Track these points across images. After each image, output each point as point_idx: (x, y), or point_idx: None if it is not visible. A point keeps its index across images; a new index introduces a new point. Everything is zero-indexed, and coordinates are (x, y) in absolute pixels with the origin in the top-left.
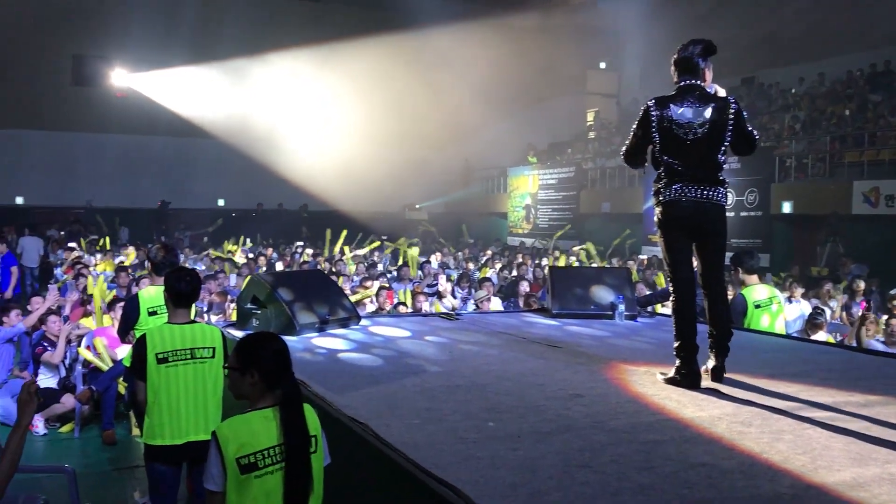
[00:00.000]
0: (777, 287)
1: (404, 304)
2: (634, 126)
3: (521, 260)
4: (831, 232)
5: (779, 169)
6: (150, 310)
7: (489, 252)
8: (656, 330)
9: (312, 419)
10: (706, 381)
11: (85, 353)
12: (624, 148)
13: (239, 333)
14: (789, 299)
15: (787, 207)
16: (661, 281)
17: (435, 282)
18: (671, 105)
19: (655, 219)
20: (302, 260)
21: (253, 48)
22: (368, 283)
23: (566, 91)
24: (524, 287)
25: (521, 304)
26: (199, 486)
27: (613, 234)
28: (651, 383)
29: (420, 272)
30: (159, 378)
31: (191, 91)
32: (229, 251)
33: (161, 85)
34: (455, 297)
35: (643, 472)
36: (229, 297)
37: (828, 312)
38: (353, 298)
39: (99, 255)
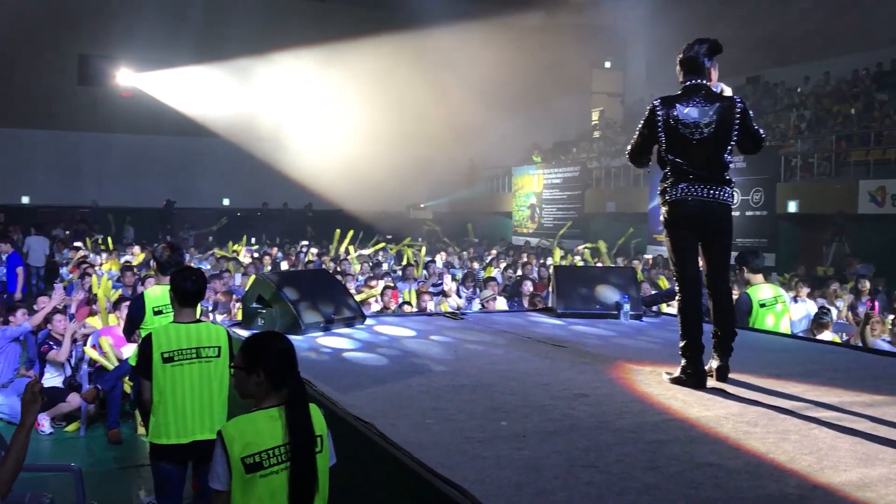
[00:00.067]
0: (783, 287)
1: (409, 303)
2: (640, 125)
3: (525, 259)
4: (837, 231)
5: (784, 168)
6: (156, 309)
7: (494, 251)
8: (661, 329)
9: (318, 419)
10: (711, 381)
11: (91, 353)
12: (629, 147)
13: (244, 333)
14: (795, 299)
15: (792, 207)
16: (664, 283)
17: (440, 281)
18: (677, 105)
19: (661, 218)
20: (307, 259)
21: (258, 48)
22: (373, 283)
23: (571, 90)
24: (527, 287)
25: (525, 303)
26: (205, 485)
27: (618, 233)
28: (656, 383)
29: (425, 271)
30: (165, 377)
31: (196, 91)
32: (234, 251)
33: (166, 85)
34: (460, 297)
35: (648, 471)
36: (234, 296)
37: (834, 312)
38: (357, 298)
39: (104, 255)
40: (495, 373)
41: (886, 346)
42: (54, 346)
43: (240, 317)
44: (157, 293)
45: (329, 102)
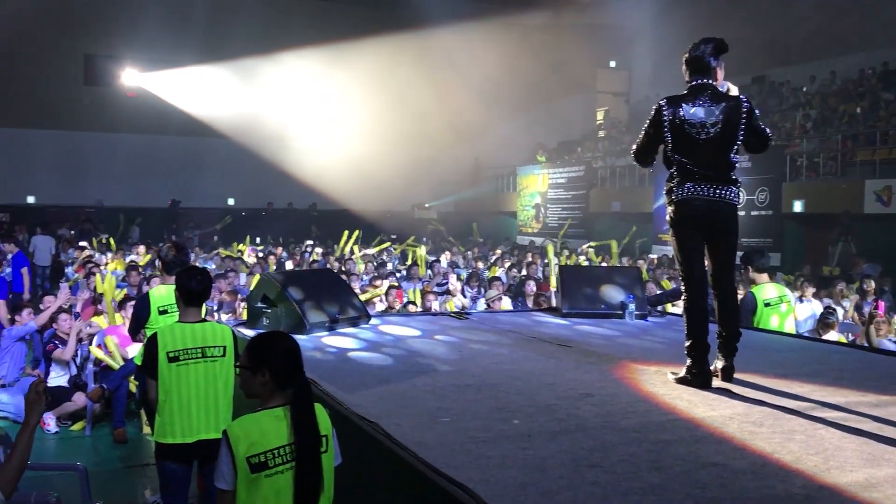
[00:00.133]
0: (788, 286)
1: (414, 303)
2: (646, 125)
3: (530, 259)
4: (843, 231)
5: (790, 168)
6: (161, 308)
7: (498, 251)
8: (667, 329)
9: (324, 419)
10: (717, 381)
11: (96, 352)
12: (634, 146)
13: (249, 332)
14: (800, 298)
15: (798, 206)
16: (667, 284)
17: (444, 281)
18: (683, 104)
19: (668, 218)
20: (312, 259)
21: (263, 47)
22: (378, 283)
23: (576, 90)
24: (531, 287)
25: (528, 303)
26: (210, 484)
27: (623, 233)
28: (662, 383)
29: (429, 271)
30: (170, 376)
31: (201, 91)
32: (238, 250)
33: (172, 84)
34: (464, 297)
35: (654, 471)
36: (239, 295)
37: (840, 312)
38: (362, 297)
39: (110, 254)
40: (500, 372)
41: (892, 346)
42: (60, 346)
43: (245, 316)
44: (162, 293)
45: (333, 102)
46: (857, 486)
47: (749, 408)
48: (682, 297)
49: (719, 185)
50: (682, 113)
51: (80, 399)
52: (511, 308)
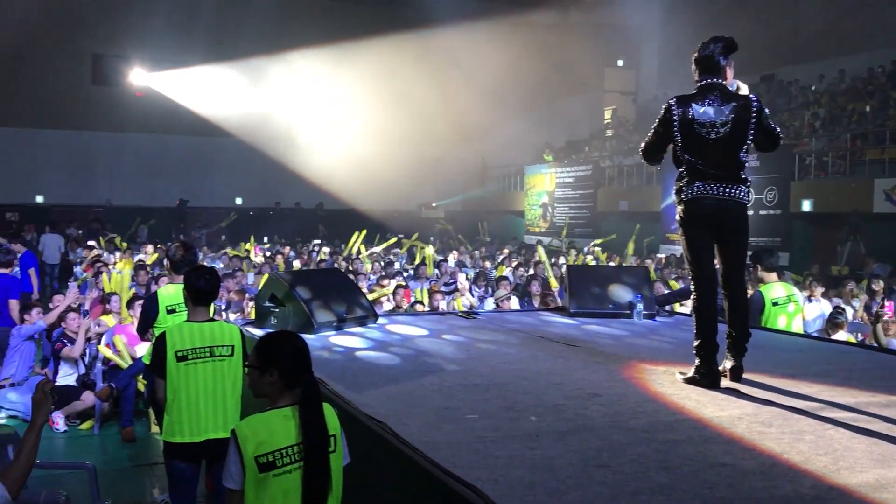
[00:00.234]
0: (797, 286)
1: (421, 302)
2: (655, 123)
3: (537, 258)
4: (852, 230)
5: (798, 167)
6: (169, 308)
7: (506, 250)
8: (675, 329)
9: (332, 418)
10: (725, 381)
11: (105, 351)
12: (643, 144)
13: (258, 331)
14: (809, 298)
15: (806, 206)
16: (675, 284)
17: (452, 280)
18: (693, 104)
19: (677, 217)
20: (319, 258)
21: (271, 47)
22: (385, 282)
23: (583, 89)
24: (536, 286)
25: (535, 303)
26: (218, 483)
27: (631, 232)
28: (670, 383)
29: (437, 270)
30: (179, 376)
31: (209, 90)
32: (245, 250)
33: (179, 84)
34: (472, 296)
35: (662, 471)
36: (247, 295)
37: (849, 312)
38: (370, 297)
39: (118, 254)
40: (508, 372)
41: None
42: (68, 344)
43: (253, 315)
44: (170, 292)
45: (341, 102)
46: (867, 487)
47: (758, 408)
48: (692, 297)
49: (729, 185)
50: (691, 112)
51: (88, 398)
52: (518, 307)
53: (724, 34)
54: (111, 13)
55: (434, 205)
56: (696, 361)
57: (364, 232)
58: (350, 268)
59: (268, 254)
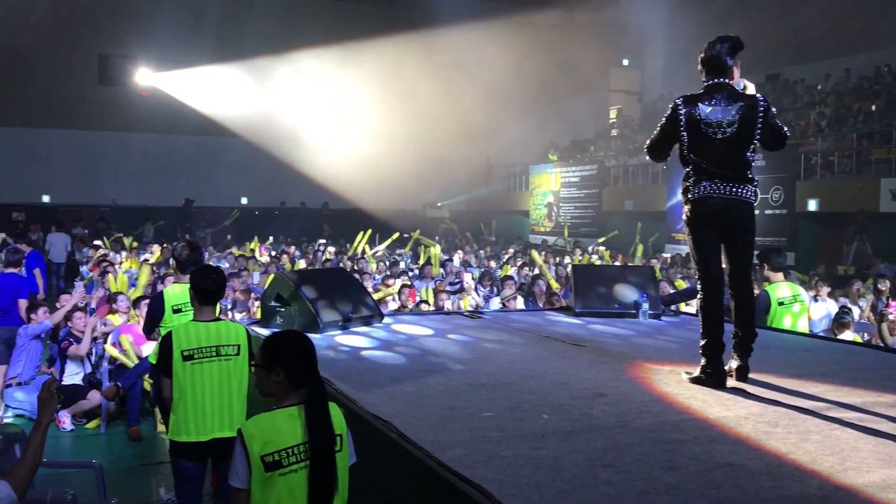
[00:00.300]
0: (803, 286)
1: (426, 302)
2: (662, 121)
3: (543, 258)
4: (858, 230)
5: (804, 166)
6: (175, 307)
7: (511, 250)
8: (681, 329)
9: (338, 418)
10: (731, 381)
11: (111, 350)
12: (648, 141)
13: (263, 331)
14: (815, 298)
15: (812, 205)
16: (681, 283)
17: (457, 280)
18: (699, 104)
19: (684, 217)
20: (324, 258)
21: (277, 47)
22: (390, 281)
23: (589, 88)
24: (541, 286)
25: (539, 303)
26: (224, 482)
27: (635, 231)
28: (676, 382)
29: (442, 270)
30: (185, 375)
31: (215, 90)
32: (251, 249)
33: (185, 84)
34: (478, 295)
35: (668, 471)
36: (253, 294)
37: (856, 312)
38: (375, 296)
39: (124, 253)
40: (514, 372)
41: None
42: (74, 343)
43: (259, 315)
44: (176, 291)
45: (346, 102)
46: (874, 487)
47: (764, 408)
48: (698, 296)
49: (736, 184)
50: (698, 112)
51: (95, 397)
52: (523, 307)
53: (729, 33)
54: (117, 14)
55: (439, 204)
56: (702, 361)
57: (369, 231)
58: (355, 267)
59: (273, 253)
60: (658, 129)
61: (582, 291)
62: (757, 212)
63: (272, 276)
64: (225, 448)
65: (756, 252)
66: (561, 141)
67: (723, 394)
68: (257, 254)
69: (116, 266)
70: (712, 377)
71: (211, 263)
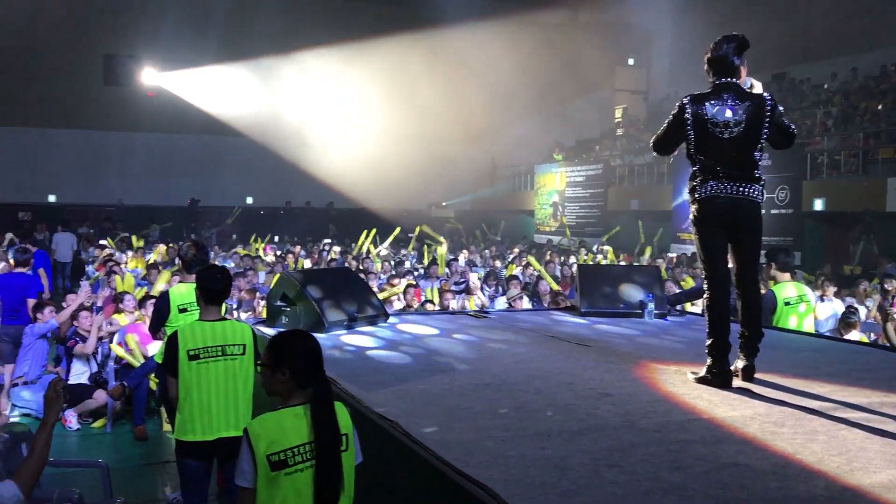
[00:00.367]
0: (809, 286)
1: (431, 301)
2: (669, 118)
3: (548, 258)
4: (865, 230)
5: (811, 166)
6: (181, 307)
7: (516, 249)
8: (686, 329)
9: (344, 417)
10: (737, 381)
11: (117, 350)
12: (654, 136)
13: (269, 330)
14: (821, 298)
15: (818, 205)
16: (689, 280)
17: (462, 279)
18: (707, 103)
19: (691, 216)
20: (330, 258)
21: (282, 47)
22: (396, 281)
23: (594, 88)
24: (544, 286)
25: (544, 303)
26: (230, 481)
27: (644, 232)
28: (682, 382)
29: (447, 270)
30: (191, 374)
31: (220, 90)
32: (256, 249)
33: (190, 84)
34: (483, 295)
35: (674, 472)
36: (258, 294)
37: (863, 311)
38: (380, 296)
39: (130, 253)
40: (519, 372)
41: None
42: (80, 342)
43: (264, 314)
44: (182, 291)
45: (351, 101)
46: (881, 488)
47: (770, 408)
48: (704, 296)
49: (743, 183)
50: (705, 112)
51: (101, 396)
52: (529, 307)
53: (735, 32)
54: (123, 14)
55: (444, 204)
56: (708, 361)
57: (374, 231)
58: (360, 267)
59: (278, 252)
60: (665, 126)
61: (587, 291)
62: (763, 211)
63: (277, 275)
64: (230, 447)
65: (764, 251)
66: (566, 140)
67: (729, 394)
68: (262, 253)
69: (122, 266)
70: (718, 377)
71: (216, 263)
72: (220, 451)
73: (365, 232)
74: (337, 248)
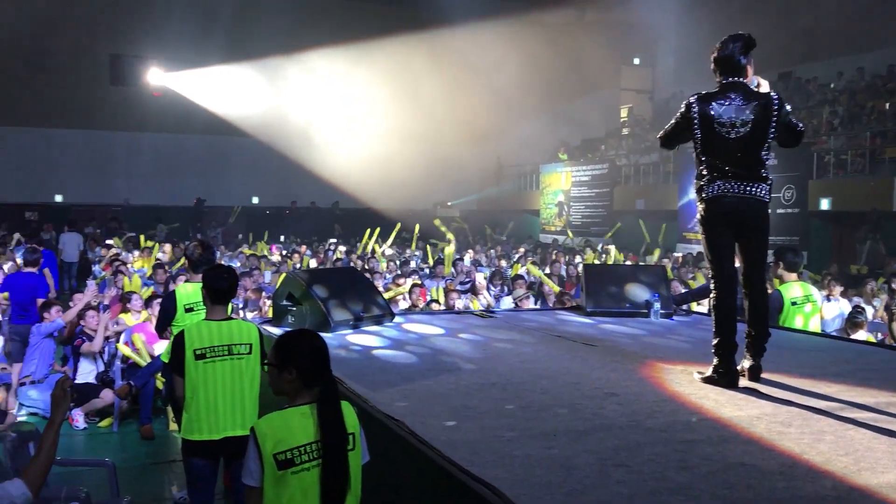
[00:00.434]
0: (815, 285)
1: (437, 301)
2: (677, 116)
3: (554, 257)
4: (871, 229)
5: (817, 165)
6: (187, 306)
7: (521, 249)
8: (692, 328)
9: (351, 416)
10: (744, 381)
11: (123, 349)
12: (662, 131)
13: (275, 330)
14: (828, 297)
15: (825, 204)
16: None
17: (467, 279)
18: (713, 103)
19: (698, 216)
20: (335, 257)
21: (288, 47)
22: (401, 281)
23: (599, 87)
24: (548, 287)
25: (549, 302)
26: (237, 480)
27: (648, 231)
28: (688, 382)
29: (452, 269)
30: (197, 374)
31: (226, 90)
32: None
33: (196, 84)
34: (489, 295)
35: (681, 471)
36: (264, 293)
37: (870, 311)
38: (386, 295)
39: (136, 252)
40: (525, 371)
41: None
42: (87, 341)
43: (270, 314)
44: (188, 290)
45: (357, 101)
46: (888, 488)
47: (777, 408)
48: (711, 295)
49: (750, 183)
50: (712, 111)
51: (107, 396)
52: (535, 306)
53: (741, 32)
54: (129, 14)
55: (449, 204)
56: (715, 360)
57: (378, 230)
58: (366, 266)
59: (284, 252)
60: (672, 123)
61: (593, 291)
62: (769, 210)
63: (284, 275)
64: (237, 447)
65: (771, 251)
66: (572, 140)
67: (735, 394)
68: (267, 252)
69: (129, 265)
70: (724, 377)
71: (222, 263)
72: (226, 450)
73: (368, 231)
74: (342, 248)
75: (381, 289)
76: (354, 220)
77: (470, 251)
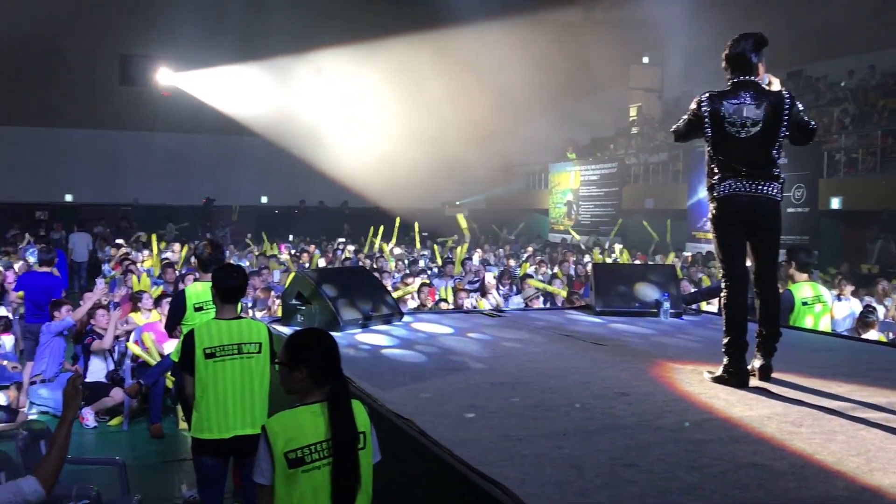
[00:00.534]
0: (825, 285)
1: (446, 300)
2: (688, 113)
3: (563, 257)
4: (882, 229)
5: (828, 164)
6: (197, 305)
7: (530, 249)
8: (702, 328)
9: (361, 415)
10: (754, 381)
11: (133, 348)
12: (675, 126)
13: (284, 329)
14: (839, 297)
15: (835, 203)
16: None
17: (476, 278)
18: (725, 101)
19: (710, 215)
20: (344, 256)
21: (297, 47)
22: (410, 280)
23: (608, 86)
24: (558, 285)
25: (557, 302)
26: (246, 479)
27: (656, 230)
28: (698, 382)
29: (461, 269)
30: (207, 373)
31: (235, 90)
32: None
33: (206, 84)
34: (498, 294)
35: (692, 471)
36: (273, 293)
37: (881, 311)
38: (394, 295)
39: (146, 252)
40: (534, 371)
41: None
42: (97, 338)
43: (279, 313)
44: (197, 290)
45: (365, 100)
46: None
47: (788, 407)
48: (722, 294)
49: (762, 181)
50: (723, 110)
51: (117, 394)
52: (544, 306)
53: (751, 30)
54: (138, 14)
55: (458, 203)
56: (725, 360)
57: (382, 229)
58: (374, 266)
59: (293, 251)
60: (685, 120)
61: (602, 290)
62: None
63: (293, 274)
64: (247, 445)
65: (784, 250)
66: (580, 139)
67: (746, 393)
68: (276, 252)
69: (138, 265)
70: (735, 376)
71: (232, 262)
72: (236, 449)
73: (372, 229)
74: (351, 248)
75: (389, 288)
76: (363, 219)
77: (479, 250)
